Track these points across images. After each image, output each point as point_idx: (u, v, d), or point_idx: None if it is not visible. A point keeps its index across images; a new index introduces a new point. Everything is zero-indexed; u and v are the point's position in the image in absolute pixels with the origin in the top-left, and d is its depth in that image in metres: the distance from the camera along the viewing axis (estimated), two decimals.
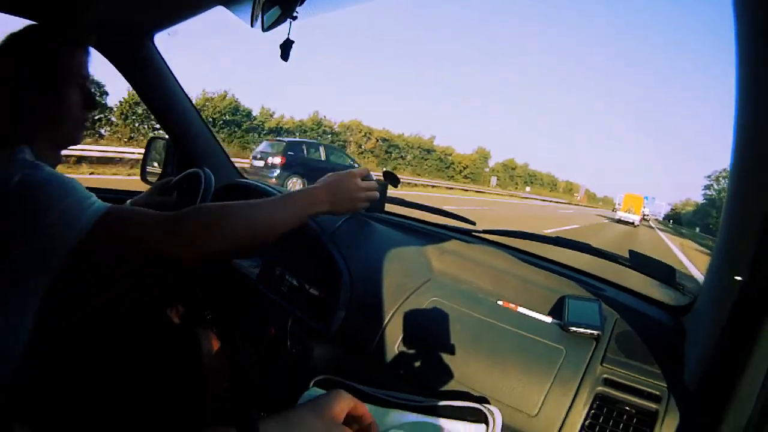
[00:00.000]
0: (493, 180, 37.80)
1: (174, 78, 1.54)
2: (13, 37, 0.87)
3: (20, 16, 1.20)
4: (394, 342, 0.86)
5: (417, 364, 0.83)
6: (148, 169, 1.63)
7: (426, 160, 34.64)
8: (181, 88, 1.56)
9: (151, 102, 1.55)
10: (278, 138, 16.93)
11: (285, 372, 0.96)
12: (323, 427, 0.51)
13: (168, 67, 1.51)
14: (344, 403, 0.54)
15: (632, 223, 23.47)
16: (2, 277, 0.75)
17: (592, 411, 0.70)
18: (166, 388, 0.96)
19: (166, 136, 1.63)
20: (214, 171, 1.27)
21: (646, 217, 28.49)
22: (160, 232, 0.75)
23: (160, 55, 1.48)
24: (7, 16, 1.21)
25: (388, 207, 1.17)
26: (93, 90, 0.94)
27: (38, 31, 0.88)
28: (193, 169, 1.29)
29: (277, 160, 11.07)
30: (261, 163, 11.24)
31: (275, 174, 10.86)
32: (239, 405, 1.07)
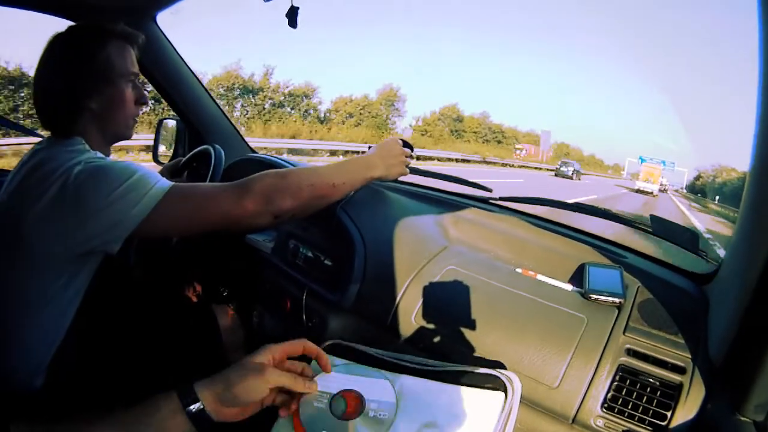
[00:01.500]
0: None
1: (180, 57, 1.52)
2: (63, 37, 0.90)
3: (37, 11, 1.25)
4: (411, 312, 0.85)
5: (434, 334, 0.82)
6: (160, 150, 1.63)
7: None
8: (188, 67, 1.55)
9: (158, 82, 1.53)
10: None
11: None
12: (247, 373, 0.59)
13: (173, 46, 1.50)
14: (270, 352, 0.62)
15: (651, 193, 24.53)
16: (58, 262, 0.80)
17: (615, 383, 0.69)
18: (184, 366, 0.97)
19: (177, 117, 1.64)
20: (225, 147, 1.26)
21: (663, 187, 29.07)
22: (230, 196, 0.82)
23: (164, 35, 1.46)
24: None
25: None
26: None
27: (87, 32, 0.91)
28: (203, 146, 1.28)
29: None
30: None
31: None
32: None
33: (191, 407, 0.57)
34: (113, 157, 0.94)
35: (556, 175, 24.76)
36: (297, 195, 0.86)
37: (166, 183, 0.81)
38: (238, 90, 20.05)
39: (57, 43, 0.90)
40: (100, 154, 0.85)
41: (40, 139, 0.94)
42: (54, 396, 0.85)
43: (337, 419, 0.61)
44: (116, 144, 1.00)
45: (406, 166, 1.01)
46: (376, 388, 0.64)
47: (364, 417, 0.61)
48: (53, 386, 0.86)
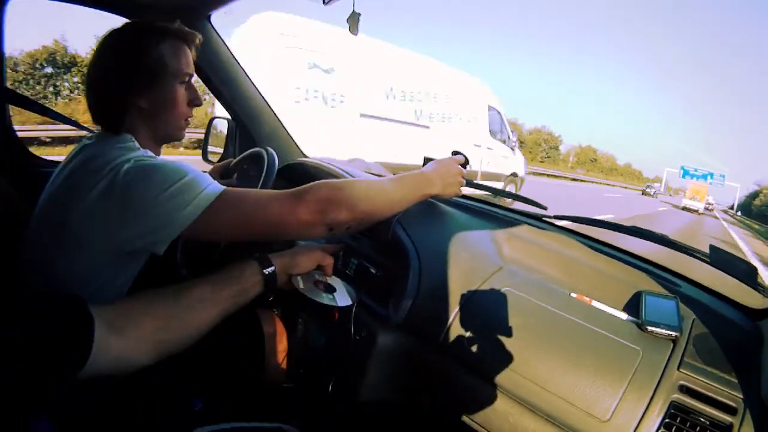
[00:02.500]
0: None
1: (233, 57, 1.53)
2: (117, 33, 0.91)
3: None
4: (464, 334, 0.86)
5: (487, 358, 0.83)
6: (210, 149, 1.65)
7: None
8: (241, 67, 1.56)
9: (211, 82, 1.54)
10: None
11: (350, 358, 0.98)
12: (304, 250, 0.91)
13: (226, 46, 1.50)
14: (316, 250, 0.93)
15: (696, 210, 25.70)
16: (103, 257, 0.80)
17: (666, 420, 0.68)
18: (227, 369, 1.00)
19: (228, 117, 1.64)
20: (276, 150, 1.25)
21: (710, 206, 29.06)
22: (283, 204, 0.82)
23: (218, 35, 1.47)
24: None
25: None
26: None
27: (142, 30, 0.91)
28: (256, 148, 1.27)
29: None
30: None
31: None
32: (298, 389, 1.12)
33: (267, 270, 0.84)
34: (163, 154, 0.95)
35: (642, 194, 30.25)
36: (353, 208, 0.86)
37: (217, 187, 0.81)
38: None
39: (110, 39, 0.91)
40: (150, 153, 0.86)
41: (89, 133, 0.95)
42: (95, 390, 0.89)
43: None
44: None
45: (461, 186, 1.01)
46: None
47: None
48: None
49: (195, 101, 0.97)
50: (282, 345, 1.13)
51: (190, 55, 0.96)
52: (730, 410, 0.68)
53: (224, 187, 0.82)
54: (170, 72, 0.92)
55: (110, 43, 0.90)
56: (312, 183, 0.86)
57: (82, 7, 1.34)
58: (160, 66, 0.90)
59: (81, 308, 0.59)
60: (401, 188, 0.93)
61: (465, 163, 1.04)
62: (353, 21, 0.99)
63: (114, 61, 0.89)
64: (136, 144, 0.88)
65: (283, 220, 0.82)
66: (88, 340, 0.57)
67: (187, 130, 1.00)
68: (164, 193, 0.76)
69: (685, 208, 25.69)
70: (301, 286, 0.89)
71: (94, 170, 0.79)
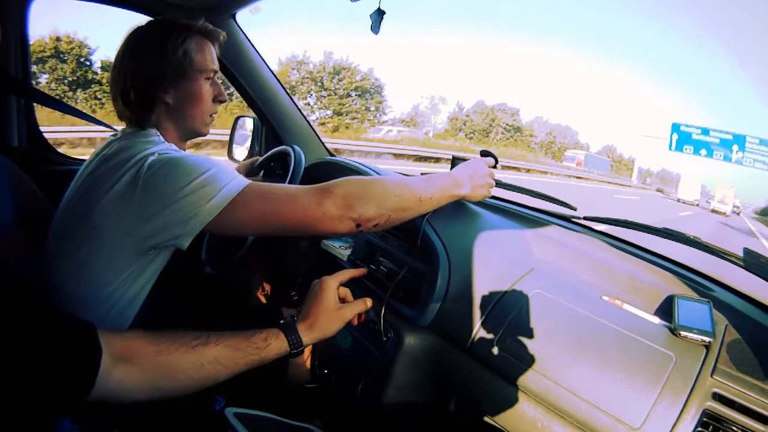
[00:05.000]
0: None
1: (259, 55, 1.55)
2: (143, 30, 0.93)
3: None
4: (492, 336, 0.87)
5: (516, 362, 0.83)
6: (235, 147, 1.67)
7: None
8: (267, 65, 1.58)
9: (237, 80, 1.57)
10: None
11: (377, 359, 0.99)
12: (335, 318, 0.83)
13: (252, 44, 1.53)
14: (334, 287, 0.85)
15: (724, 213, 25.64)
16: (127, 252, 0.82)
17: (699, 429, 0.68)
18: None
19: (253, 115, 1.67)
20: (303, 149, 1.27)
21: (737, 209, 28.95)
22: (310, 198, 0.82)
23: (244, 33, 1.50)
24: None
25: None
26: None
27: (168, 26, 0.93)
28: (282, 146, 1.29)
29: None
30: None
31: None
32: (321, 389, 1.13)
33: (295, 351, 0.79)
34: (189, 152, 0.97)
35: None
36: (381, 204, 0.86)
37: (242, 180, 0.83)
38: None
39: (136, 36, 0.93)
40: (175, 147, 0.88)
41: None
42: None
43: None
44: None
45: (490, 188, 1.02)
46: None
47: None
48: None
49: (219, 97, 0.99)
50: None
51: (215, 52, 0.98)
52: (764, 420, 0.67)
53: (249, 180, 0.83)
54: (196, 68, 0.94)
55: (136, 39, 0.93)
56: (340, 178, 0.86)
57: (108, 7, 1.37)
58: (186, 61, 0.92)
59: (90, 337, 0.60)
60: (430, 188, 0.93)
61: (495, 165, 1.04)
62: (377, 19, 0.98)
63: (141, 57, 0.91)
64: (161, 138, 0.90)
65: (310, 214, 0.82)
66: (92, 370, 0.58)
67: (212, 130, 1.02)
68: (188, 186, 0.77)
69: (714, 211, 25.79)
70: None
71: (118, 164, 0.81)
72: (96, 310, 0.85)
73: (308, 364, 1.14)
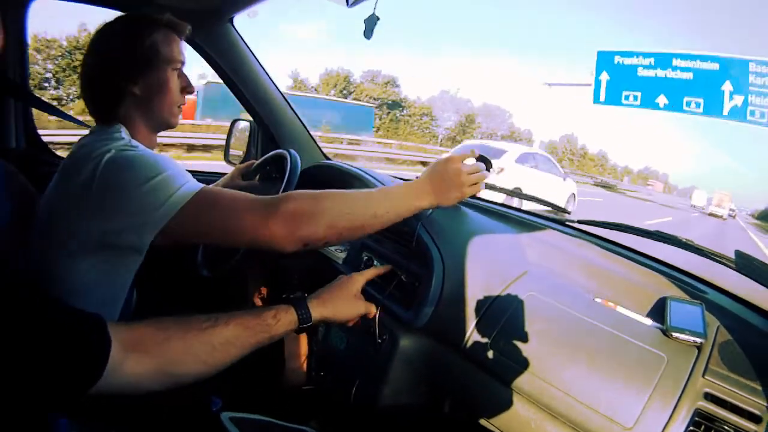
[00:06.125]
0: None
1: (256, 59, 1.57)
2: (111, 25, 0.94)
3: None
4: (487, 338, 0.88)
5: (510, 363, 0.85)
6: (231, 151, 1.69)
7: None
8: (264, 69, 1.60)
9: (234, 84, 1.59)
10: None
11: (372, 360, 1.00)
12: (349, 304, 0.88)
13: (249, 48, 1.55)
14: (359, 283, 0.92)
15: (721, 216, 26.35)
16: (91, 250, 0.82)
17: (690, 428, 0.69)
18: (246, 369, 1.04)
19: (250, 118, 1.69)
20: (299, 152, 1.28)
21: (733, 212, 29.66)
22: (256, 215, 0.79)
23: (241, 37, 1.52)
24: None
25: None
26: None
27: (135, 20, 0.94)
28: (279, 150, 1.31)
29: None
30: None
31: None
32: (317, 391, 1.14)
33: (304, 324, 0.80)
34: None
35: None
36: (331, 223, 0.82)
37: (193, 186, 0.81)
38: None
39: (103, 31, 0.94)
40: (135, 143, 0.87)
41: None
42: None
43: None
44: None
45: (472, 185, 0.93)
46: None
47: None
48: None
49: (188, 88, 1.00)
50: (302, 347, 1.16)
51: (182, 45, 1.00)
52: (755, 419, 0.68)
53: (201, 186, 0.82)
54: (163, 58, 0.95)
55: (104, 33, 0.94)
56: (289, 192, 0.84)
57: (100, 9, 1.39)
58: (153, 52, 0.93)
59: (100, 327, 0.60)
60: (387, 202, 0.89)
61: (488, 168, 0.97)
62: (370, 24, 1.00)
63: (109, 49, 0.93)
64: (123, 134, 0.89)
65: (255, 232, 0.80)
66: (102, 360, 0.57)
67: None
68: (140, 189, 0.77)
69: (711, 214, 26.57)
70: None
71: (77, 162, 0.82)
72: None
73: (304, 366, 1.15)
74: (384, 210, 0.87)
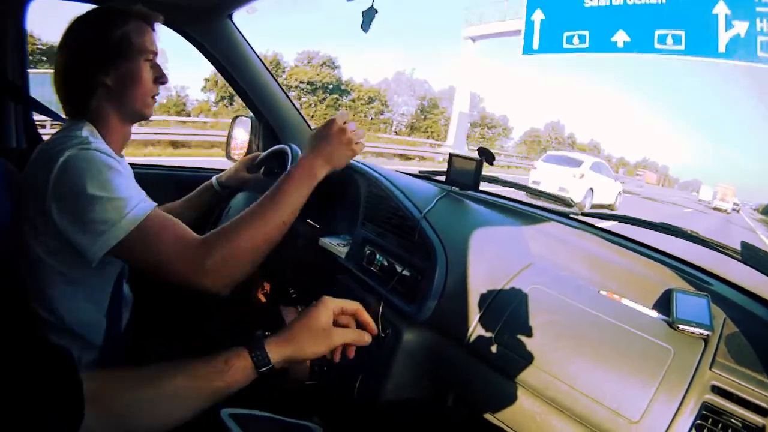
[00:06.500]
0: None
1: (256, 54, 1.58)
2: (82, 18, 0.94)
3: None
4: (490, 332, 0.88)
5: (514, 357, 0.84)
6: (233, 146, 1.70)
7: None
8: (264, 65, 1.61)
9: (234, 80, 1.60)
10: None
11: (375, 356, 0.99)
12: (316, 337, 0.70)
13: (249, 44, 1.56)
14: (330, 309, 0.73)
15: (726, 210, 26.72)
16: (65, 259, 0.85)
17: (697, 421, 0.68)
18: None
19: (251, 114, 1.70)
20: (301, 147, 1.29)
21: (737, 207, 29.75)
22: (182, 264, 0.82)
23: (240, 33, 1.52)
24: None
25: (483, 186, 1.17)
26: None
27: (106, 12, 0.94)
28: (280, 145, 1.31)
29: None
30: None
31: None
32: (320, 385, 1.14)
33: (262, 369, 0.67)
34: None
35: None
36: (255, 257, 0.87)
37: (139, 212, 0.81)
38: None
39: (75, 23, 0.94)
40: (96, 145, 0.86)
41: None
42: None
43: None
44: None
45: (357, 143, 0.97)
46: None
47: None
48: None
49: (161, 78, 1.00)
50: None
51: (154, 36, 0.99)
52: (763, 412, 0.68)
53: (149, 212, 0.82)
54: (135, 49, 0.95)
55: (76, 27, 0.94)
56: (207, 241, 0.84)
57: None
58: (124, 43, 0.93)
59: (71, 372, 0.54)
60: (288, 195, 0.90)
61: (491, 161, 0.99)
62: (368, 17, 0.99)
63: (80, 41, 0.93)
64: (85, 132, 0.89)
65: (188, 282, 0.82)
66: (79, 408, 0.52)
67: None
68: (86, 215, 0.78)
69: (715, 208, 26.81)
70: None
71: (39, 161, 0.83)
72: (57, 305, 0.87)
73: (308, 362, 1.15)
74: (288, 210, 0.89)
